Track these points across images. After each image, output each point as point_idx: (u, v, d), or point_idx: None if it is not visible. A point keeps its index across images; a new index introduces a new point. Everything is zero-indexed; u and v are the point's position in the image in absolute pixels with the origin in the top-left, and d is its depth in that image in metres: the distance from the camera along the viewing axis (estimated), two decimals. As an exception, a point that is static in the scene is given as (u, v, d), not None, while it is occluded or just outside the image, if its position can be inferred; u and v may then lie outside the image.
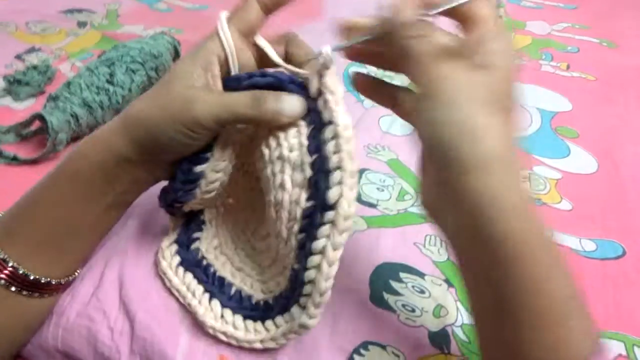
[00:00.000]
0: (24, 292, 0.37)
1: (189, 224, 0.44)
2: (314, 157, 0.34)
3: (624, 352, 0.40)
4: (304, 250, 0.34)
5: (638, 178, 0.58)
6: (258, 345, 0.39)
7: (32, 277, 0.37)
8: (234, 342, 0.39)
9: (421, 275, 0.45)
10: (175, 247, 0.44)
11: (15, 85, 0.67)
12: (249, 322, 0.40)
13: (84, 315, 0.42)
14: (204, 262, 0.43)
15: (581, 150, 0.62)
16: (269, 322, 0.39)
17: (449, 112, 0.28)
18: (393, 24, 0.30)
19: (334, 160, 0.33)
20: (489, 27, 0.30)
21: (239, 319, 0.40)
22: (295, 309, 0.36)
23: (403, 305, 0.42)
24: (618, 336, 0.41)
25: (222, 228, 0.46)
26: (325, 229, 0.33)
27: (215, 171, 0.38)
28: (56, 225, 0.38)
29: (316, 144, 0.34)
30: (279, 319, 0.38)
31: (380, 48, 0.33)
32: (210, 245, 0.44)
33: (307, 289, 0.34)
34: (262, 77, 0.36)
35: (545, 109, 0.70)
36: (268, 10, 0.37)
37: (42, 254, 0.38)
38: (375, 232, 0.49)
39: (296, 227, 0.35)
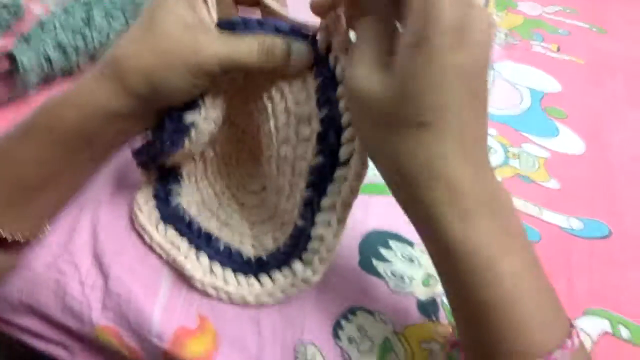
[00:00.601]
0: None
1: (164, 178, 0.41)
2: (324, 111, 0.32)
3: (609, 329, 0.40)
4: (311, 206, 0.33)
5: (624, 162, 0.58)
6: (251, 300, 0.37)
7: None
8: (224, 296, 0.37)
9: (410, 244, 0.44)
10: (153, 201, 0.41)
11: (-19, 21, 0.62)
12: (241, 276, 0.38)
13: (52, 268, 0.39)
14: (187, 217, 0.41)
15: (569, 131, 0.62)
16: (263, 277, 0.37)
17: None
18: None
19: (346, 117, 0.31)
20: None
21: (229, 272, 0.38)
22: (297, 265, 0.35)
23: (392, 273, 0.41)
24: (603, 313, 0.41)
25: (202, 183, 0.43)
26: (336, 186, 0.32)
27: (206, 120, 0.35)
28: (27, 183, 0.35)
29: (326, 99, 0.31)
30: (277, 274, 0.36)
31: None
32: (192, 200, 0.42)
33: (313, 244, 0.33)
34: (260, 26, 0.33)
35: (536, 89, 0.69)
36: None
37: (8, 211, 0.35)
38: (365, 199, 0.47)
39: (302, 183, 0.33)
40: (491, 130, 0.60)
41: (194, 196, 0.42)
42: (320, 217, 0.32)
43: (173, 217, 0.41)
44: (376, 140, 0.28)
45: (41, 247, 0.40)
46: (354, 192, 0.32)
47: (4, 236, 0.34)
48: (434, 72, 0.24)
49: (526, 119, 0.63)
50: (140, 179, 0.42)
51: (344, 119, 0.31)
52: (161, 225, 0.40)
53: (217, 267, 0.38)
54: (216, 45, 0.31)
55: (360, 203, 0.47)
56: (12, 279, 0.39)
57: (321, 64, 0.32)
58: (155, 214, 0.41)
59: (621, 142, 0.61)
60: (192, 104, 0.34)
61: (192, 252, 0.39)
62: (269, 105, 0.35)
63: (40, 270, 0.39)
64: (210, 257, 0.39)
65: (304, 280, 0.35)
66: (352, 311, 0.38)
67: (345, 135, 0.31)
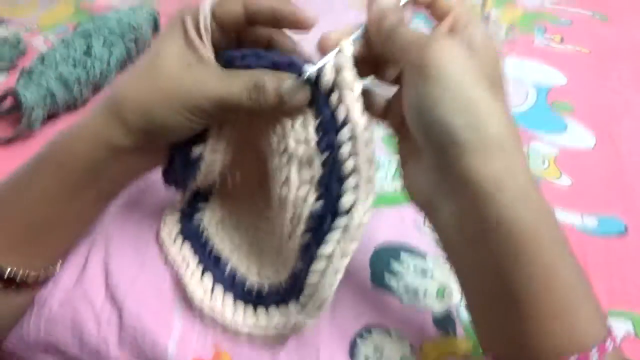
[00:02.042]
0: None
1: (195, 194, 0.42)
2: (325, 155, 0.31)
3: (631, 330, 0.39)
4: (309, 251, 0.32)
5: (636, 152, 0.57)
6: (244, 331, 0.37)
7: (7, 273, 0.34)
8: (218, 318, 0.37)
9: (422, 255, 0.43)
10: (178, 215, 0.42)
11: (-16, 60, 0.63)
12: (239, 304, 0.38)
13: (67, 305, 0.39)
14: (204, 235, 0.41)
15: (578, 124, 0.61)
16: (260, 309, 0.37)
17: (451, 93, 0.26)
18: (376, 14, 0.30)
19: (349, 163, 0.30)
20: (465, 14, 0.30)
21: (229, 298, 0.38)
22: (293, 305, 0.34)
23: (405, 287, 0.40)
24: (625, 314, 0.40)
25: (227, 200, 0.43)
26: (335, 234, 0.31)
27: (213, 152, 0.35)
28: (36, 222, 0.35)
29: (328, 142, 0.31)
30: (273, 310, 0.36)
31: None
32: (213, 217, 0.43)
33: (308, 290, 0.32)
34: (257, 59, 0.33)
35: (540, 84, 0.68)
36: (250, 17, 0.33)
37: (20, 249, 0.35)
38: (375, 211, 0.47)
39: (302, 226, 0.32)
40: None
41: (215, 213, 0.43)
42: (316, 265, 0.31)
43: (191, 233, 0.41)
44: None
45: (55, 285, 0.40)
46: (354, 241, 0.31)
47: (13, 276, 0.35)
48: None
49: (533, 115, 0.63)
50: (153, 208, 0.43)
51: (347, 165, 0.30)
52: (179, 240, 0.41)
53: (219, 290, 0.38)
54: (210, 85, 0.31)
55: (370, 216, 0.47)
56: (29, 318, 0.39)
57: (321, 102, 0.31)
58: (177, 228, 0.42)
59: (631, 132, 0.60)
60: (198, 137, 0.35)
61: (199, 271, 0.39)
62: (274, 141, 0.34)
63: (55, 308, 0.39)
64: (215, 279, 0.39)
65: (297, 323, 0.34)
66: (368, 330, 0.38)
67: (348, 182, 0.30)
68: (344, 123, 0.30)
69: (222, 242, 0.42)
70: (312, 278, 0.32)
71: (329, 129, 0.31)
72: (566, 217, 0.48)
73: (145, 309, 0.39)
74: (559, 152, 0.57)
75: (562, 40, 0.78)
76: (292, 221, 0.33)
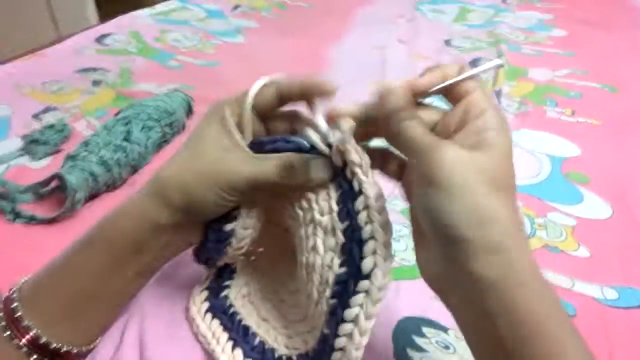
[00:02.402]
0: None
1: (221, 271, 0.45)
2: (345, 224, 0.34)
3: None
4: (335, 316, 0.34)
5: (654, 222, 0.58)
6: None
7: (52, 346, 0.37)
8: None
9: (444, 329, 0.44)
10: (206, 293, 0.45)
11: (33, 144, 0.68)
12: None
13: (105, 380, 0.41)
14: (231, 310, 0.43)
15: (594, 195, 0.63)
16: None
17: (456, 198, 0.28)
18: (385, 110, 0.31)
19: (366, 230, 0.33)
20: (480, 102, 0.30)
21: None
22: None
23: (428, 362, 0.41)
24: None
25: (252, 277, 0.46)
26: (358, 298, 0.33)
27: (244, 228, 0.39)
28: (81, 294, 0.38)
29: (347, 212, 0.34)
30: None
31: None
32: (239, 293, 0.45)
33: (336, 355, 0.34)
34: (285, 143, 0.37)
35: (555, 155, 0.71)
36: (283, 98, 0.38)
37: (64, 322, 0.38)
38: (394, 285, 0.49)
39: (328, 292, 0.35)
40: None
41: (241, 290, 0.45)
42: (343, 329, 0.34)
43: (219, 309, 0.43)
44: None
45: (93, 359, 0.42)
46: (376, 304, 0.33)
47: (58, 347, 0.37)
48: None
49: (548, 186, 0.65)
50: (183, 281, 0.46)
51: (365, 232, 0.33)
52: (208, 316, 0.43)
53: None
54: (244, 167, 0.35)
55: (390, 290, 0.48)
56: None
57: (341, 176, 0.35)
58: (205, 305, 0.44)
59: (648, 202, 0.61)
60: (230, 215, 0.38)
61: (229, 345, 0.41)
62: (300, 214, 0.37)
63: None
64: (245, 353, 0.40)
65: None
66: (392, 405, 0.39)
67: (367, 248, 0.33)
68: (359, 193, 0.33)
69: (250, 316, 0.44)
70: (339, 342, 0.34)
71: (347, 200, 0.34)
72: (586, 288, 0.49)
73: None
74: (576, 223, 0.58)
75: (573, 113, 0.81)
76: (319, 288, 0.36)
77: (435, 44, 1.08)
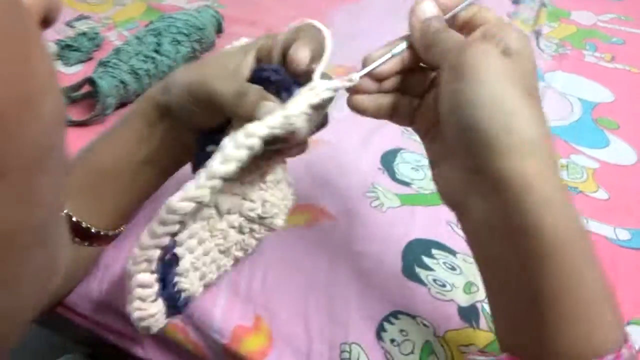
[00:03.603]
0: (76, 239, 0.39)
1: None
2: None
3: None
4: None
5: (678, 172, 0.57)
6: None
7: (84, 225, 0.39)
8: None
9: (453, 252, 0.46)
10: None
11: (66, 50, 0.70)
12: None
13: (128, 269, 0.44)
14: None
15: (621, 141, 0.62)
16: None
17: (486, 91, 0.28)
18: (417, 21, 0.32)
19: None
20: (497, 21, 0.32)
21: None
22: None
23: (434, 280, 0.43)
24: (648, 324, 0.41)
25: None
26: None
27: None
28: (100, 172, 0.40)
29: None
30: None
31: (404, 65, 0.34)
32: None
33: None
34: (275, 73, 0.35)
35: (587, 99, 0.69)
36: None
37: (88, 199, 0.40)
38: (409, 209, 0.50)
39: None
40: (539, 142, 0.61)
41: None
42: None
43: None
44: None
45: (118, 251, 0.45)
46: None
47: (87, 226, 0.39)
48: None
49: (576, 129, 0.64)
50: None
51: None
52: None
53: None
54: (223, 83, 0.35)
55: (405, 213, 0.50)
56: (94, 279, 0.45)
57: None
58: None
59: (676, 152, 0.60)
60: (215, 137, 0.37)
61: None
62: None
63: (117, 272, 0.44)
64: None
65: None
66: (395, 315, 0.41)
67: None
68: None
69: None
70: None
71: None
72: (599, 228, 0.50)
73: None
74: (598, 167, 0.58)
75: (612, 58, 0.78)
76: None
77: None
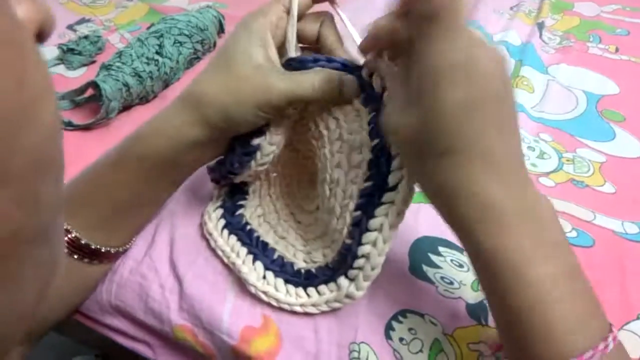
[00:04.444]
0: (85, 260, 0.40)
1: (233, 192, 0.46)
2: (376, 141, 0.35)
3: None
4: (359, 227, 0.36)
5: (685, 164, 0.56)
6: (298, 309, 0.40)
7: (92, 247, 0.39)
8: (274, 302, 0.41)
9: (460, 250, 0.46)
10: (220, 211, 0.46)
11: (69, 54, 0.70)
12: (290, 287, 0.41)
13: (136, 273, 0.44)
14: (248, 227, 0.45)
15: (627, 134, 0.61)
16: (311, 289, 0.40)
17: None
18: None
19: (394, 148, 0.34)
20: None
21: (280, 282, 0.41)
22: (342, 280, 0.37)
23: (442, 278, 0.43)
24: (658, 318, 0.41)
25: (265, 199, 0.47)
26: (383, 208, 0.35)
27: (270, 144, 0.39)
28: (118, 204, 0.40)
29: (378, 130, 0.34)
30: (323, 288, 0.39)
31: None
32: (254, 213, 0.46)
33: (359, 262, 0.36)
34: (329, 62, 0.37)
35: (592, 92, 0.68)
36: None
37: (102, 229, 0.40)
38: (415, 207, 0.50)
39: (352, 205, 0.37)
40: (546, 136, 0.61)
41: (256, 210, 0.47)
42: (367, 237, 0.35)
43: (236, 227, 0.45)
44: (415, 166, 0.32)
45: (127, 255, 0.45)
46: (400, 215, 0.35)
47: (97, 247, 0.40)
48: (442, 107, 0.27)
49: (581, 123, 0.63)
50: (211, 192, 0.48)
51: (392, 150, 0.34)
52: (225, 233, 0.45)
53: (270, 275, 0.42)
54: (282, 83, 0.35)
55: (411, 211, 0.49)
56: (102, 283, 0.45)
57: (373, 98, 0.35)
58: (222, 222, 0.45)
59: (683, 144, 0.59)
60: (258, 130, 0.39)
61: (250, 259, 0.43)
62: (325, 133, 0.38)
63: (126, 275, 0.44)
64: (265, 266, 0.42)
65: (348, 295, 0.37)
66: (403, 313, 0.41)
67: (395, 163, 0.34)
68: None
69: (267, 233, 0.45)
70: (363, 249, 0.36)
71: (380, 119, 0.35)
72: (607, 222, 0.49)
73: (203, 282, 0.43)
74: (606, 160, 0.57)
75: (617, 50, 0.78)
76: (342, 202, 0.38)
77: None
